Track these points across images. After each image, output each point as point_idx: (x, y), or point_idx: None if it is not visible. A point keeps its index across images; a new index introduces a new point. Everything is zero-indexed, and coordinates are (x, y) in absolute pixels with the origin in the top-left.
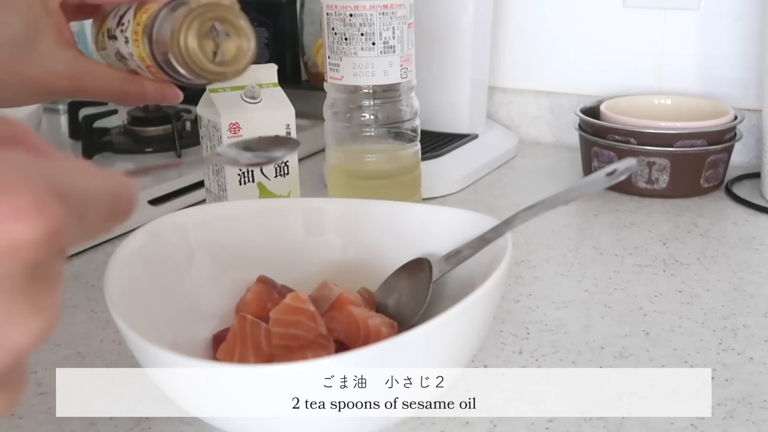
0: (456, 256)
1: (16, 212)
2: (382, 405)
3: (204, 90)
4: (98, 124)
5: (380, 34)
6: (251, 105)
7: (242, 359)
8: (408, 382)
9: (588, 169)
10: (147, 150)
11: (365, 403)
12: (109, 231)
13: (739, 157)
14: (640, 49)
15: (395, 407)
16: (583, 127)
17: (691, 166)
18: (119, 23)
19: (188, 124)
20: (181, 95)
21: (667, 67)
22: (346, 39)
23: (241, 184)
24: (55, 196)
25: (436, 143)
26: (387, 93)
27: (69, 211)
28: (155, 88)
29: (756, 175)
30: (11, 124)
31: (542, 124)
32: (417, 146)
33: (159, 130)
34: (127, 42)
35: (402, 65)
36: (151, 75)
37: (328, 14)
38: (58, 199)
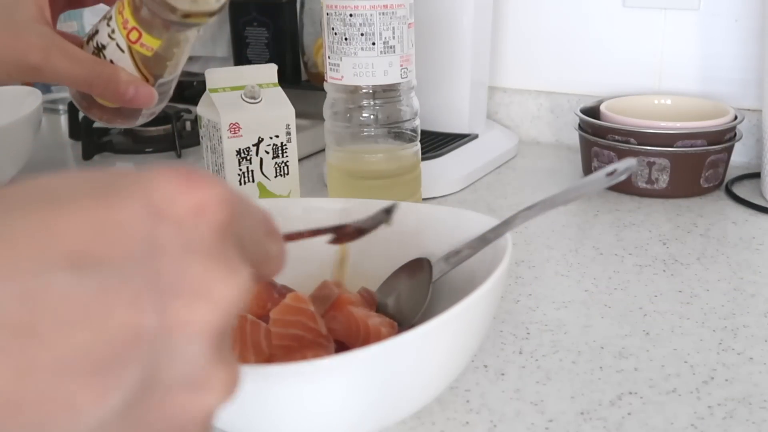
0: (456, 256)
1: (193, 184)
2: (382, 405)
3: (204, 90)
4: (98, 124)
5: (380, 34)
6: (251, 105)
7: (242, 359)
8: (408, 381)
9: (588, 169)
10: (147, 150)
11: (365, 403)
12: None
13: (739, 157)
14: (640, 49)
15: (395, 407)
16: (583, 127)
17: (691, 166)
18: (103, 18)
19: (188, 124)
20: (154, 96)
21: (667, 67)
22: (346, 39)
23: (241, 184)
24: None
25: (436, 143)
26: (387, 93)
27: (239, 204)
28: (128, 79)
29: (756, 175)
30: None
31: (542, 124)
32: (417, 146)
33: (159, 130)
34: (109, 21)
35: (402, 65)
36: (131, 59)
37: (328, 14)
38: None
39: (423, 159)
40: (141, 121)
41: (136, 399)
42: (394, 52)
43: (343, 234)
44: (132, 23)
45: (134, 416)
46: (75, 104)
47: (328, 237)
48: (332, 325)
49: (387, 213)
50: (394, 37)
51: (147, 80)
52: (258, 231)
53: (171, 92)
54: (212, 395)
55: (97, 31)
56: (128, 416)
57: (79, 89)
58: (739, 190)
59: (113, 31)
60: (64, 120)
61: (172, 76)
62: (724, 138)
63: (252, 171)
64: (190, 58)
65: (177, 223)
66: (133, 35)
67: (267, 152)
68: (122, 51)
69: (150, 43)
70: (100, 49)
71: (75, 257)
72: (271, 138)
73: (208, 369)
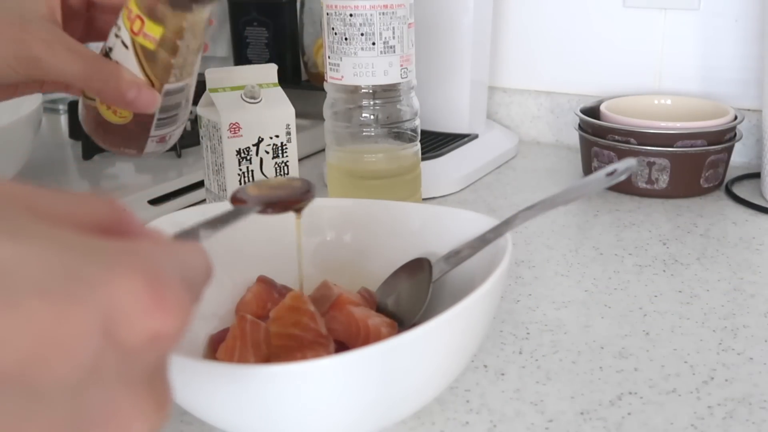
0: (456, 256)
1: (159, 305)
2: (382, 405)
3: (204, 90)
4: None
5: (380, 34)
6: (251, 105)
7: (242, 359)
8: (408, 381)
9: (588, 169)
10: None
11: (365, 403)
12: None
13: (739, 157)
14: (640, 49)
15: (395, 407)
16: (583, 127)
17: (691, 166)
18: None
19: (188, 124)
20: (156, 100)
21: (667, 67)
22: (346, 39)
23: (241, 184)
24: (186, 288)
25: (436, 143)
26: (387, 93)
27: (193, 298)
28: (131, 79)
29: (756, 175)
30: (115, 206)
31: (542, 124)
32: (417, 146)
33: None
34: (117, 22)
35: (402, 65)
36: (135, 56)
37: (328, 14)
38: (188, 290)
39: (423, 159)
40: (150, 148)
41: None
42: (394, 52)
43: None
44: (135, 11)
45: None
46: (83, 126)
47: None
48: (332, 325)
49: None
50: (394, 37)
51: (152, 85)
52: (202, 290)
53: (183, 114)
54: None
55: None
56: None
57: (80, 85)
58: (739, 190)
59: (119, 29)
60: (64, 120)
61: (179, 83)
62: (724, 138)
63: (252, 171)
64: None
65: (125, 353)
66: (137, 25)
67: (267, 152)
68: (126, 48)
69: (152, 32)
70: (107, 54)
71: (6, 379)
72: (271, 138)
73: None
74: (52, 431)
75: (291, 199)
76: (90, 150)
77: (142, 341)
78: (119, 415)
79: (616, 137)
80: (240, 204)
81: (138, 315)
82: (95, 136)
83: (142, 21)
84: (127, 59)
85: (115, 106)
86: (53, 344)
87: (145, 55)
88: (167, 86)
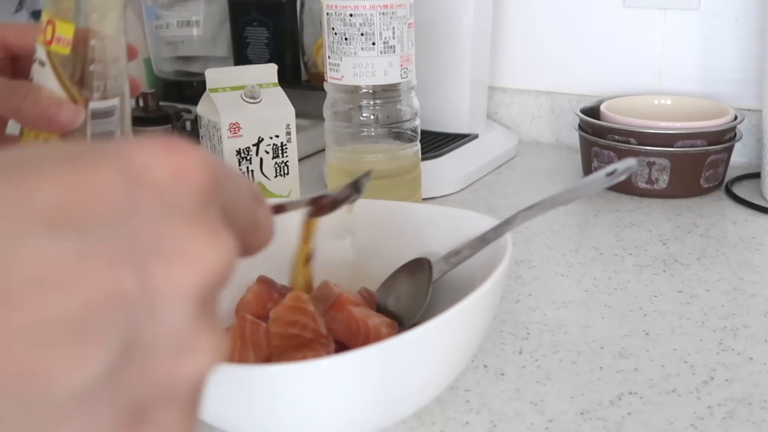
0: (456, 256)
1: (173, 149)
2: (382, 405)
3: (204, 90)
4: None
5: (380, 34)
6: (251, 105)
7: (242, 359)
8: (408, 381)
9: (588, 169)
10: None
11: (365, 402)
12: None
13: (739, 157)
14: (640, 49)
15: (395, 407)
16: (583, 127)
17: (691, 166)
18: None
19: (188, 124)
20: (79, 115)
21: (667, 67)
22: (346, 39)
23: None
24: (209, 155)
25: (436, 143)
26: (387, 93)
27: (222, 169)
28: (51, 96)
29: (756, 175)
30: None
31: (542, 124)
32: (417, 146)
33: (159, 130)
34: (35, 53)
35: (402, 65)
36: (53, 71)
37: (328, 14)
38: (213, 156)
39: (423, 159)
40: None
41: (119, 365)
42: (394, 52)
43: (320, 206)
44: (46, 19)
45: (119, 382)
46: None
47: (309, 211)
48: (332, 325)
49: (355, 185)
50: (394, 37)
51: (75, 102)
52: (244, 196)
53: None
54: (198, 360)
55: None
56: (113, 382)
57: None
58: (739, 190)
59: (35, 53)
60: None
61: (105, 102)
62: (724, 138)
63: (252, 171)
64: (190, 58)
65: (155, 189)
66: (48, 32)
67: (267, 152)
68: (43, 65)
69: (65, 33)
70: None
71: (50, 220)
72: (271, 138)
73: (192, 334)
74: (117, 260)
75: (334, 198)
76: None
77: (167, 177)
78: (177, 244)
79: (616, 137)
80: (281, 212)
81: (154, 157)
82: None
83: (53, 25)
84: (46, 78)
85: (37, 129)
86: (83, 190)
87: (63, 65)
88: (93, 104)
